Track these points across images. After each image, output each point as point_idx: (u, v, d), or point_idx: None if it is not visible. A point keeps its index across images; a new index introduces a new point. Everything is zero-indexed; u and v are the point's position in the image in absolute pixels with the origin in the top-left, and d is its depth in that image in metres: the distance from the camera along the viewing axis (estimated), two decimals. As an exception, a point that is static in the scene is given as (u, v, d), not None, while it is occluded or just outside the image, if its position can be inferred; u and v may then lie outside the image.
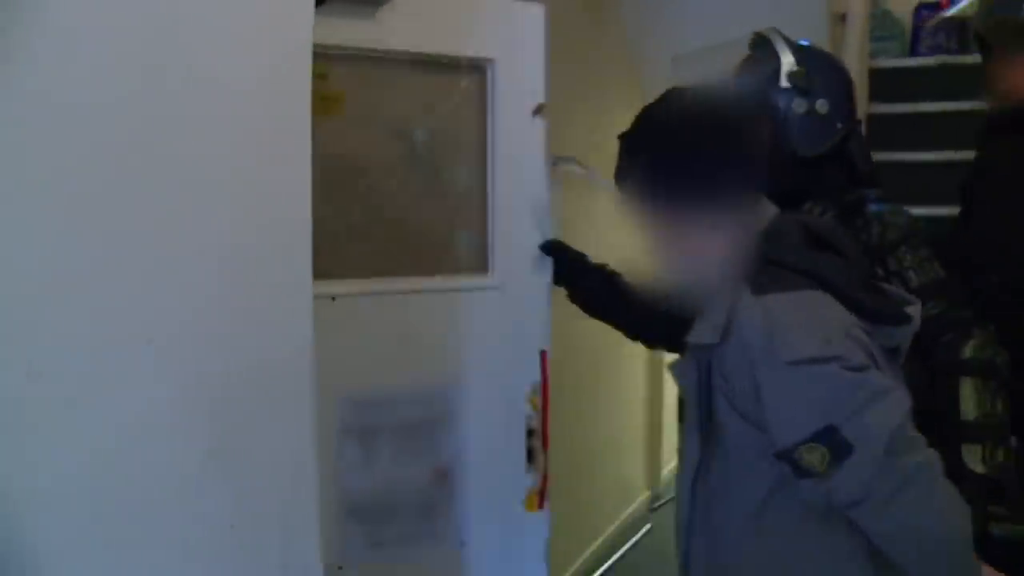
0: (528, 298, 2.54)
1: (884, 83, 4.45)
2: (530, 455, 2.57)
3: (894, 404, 1.55)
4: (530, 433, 2.56)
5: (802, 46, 2.33)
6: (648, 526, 5.63)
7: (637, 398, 5.85)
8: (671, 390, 6.26)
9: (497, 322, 2.53)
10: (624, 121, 1.84)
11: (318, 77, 1.63)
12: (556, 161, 2.53)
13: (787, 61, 2.26)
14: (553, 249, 2.49)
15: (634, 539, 5.39)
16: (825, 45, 4.41)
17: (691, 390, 1.72)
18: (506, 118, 2.52)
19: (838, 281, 1.63)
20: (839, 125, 2.25)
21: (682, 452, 1.83)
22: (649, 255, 1.80)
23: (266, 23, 1.54)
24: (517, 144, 2.52)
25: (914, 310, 1.75)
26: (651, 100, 1.83)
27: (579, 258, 2.51)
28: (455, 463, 2.52)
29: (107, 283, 1.31)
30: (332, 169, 2.18)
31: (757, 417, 1.62)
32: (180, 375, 1.41)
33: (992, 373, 1.99)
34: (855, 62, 3.99)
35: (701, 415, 1.70)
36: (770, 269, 1.63)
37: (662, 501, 5.95)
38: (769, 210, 1.76)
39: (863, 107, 3.83)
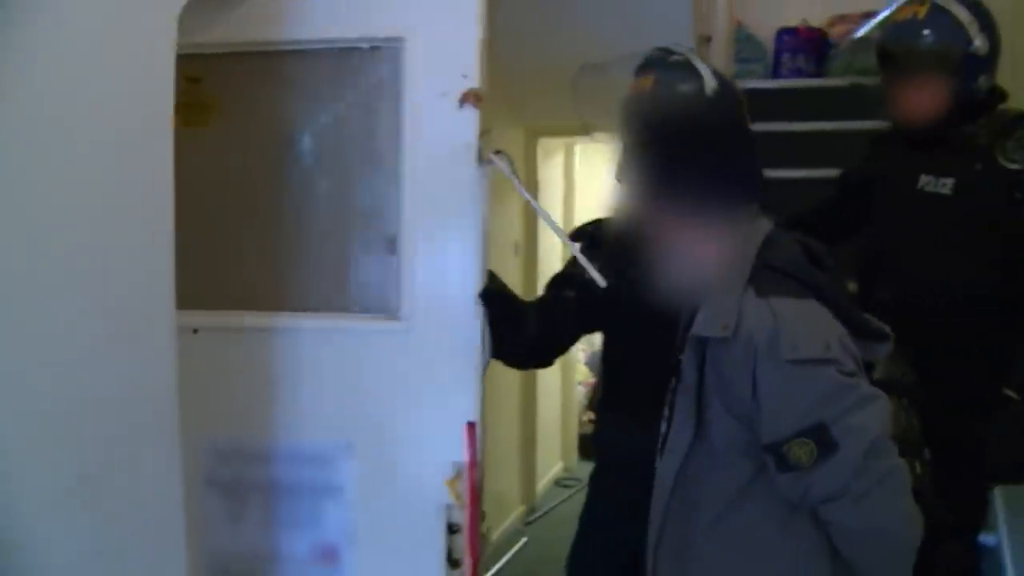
0: (450, 350, 1.98)
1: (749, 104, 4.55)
2: (450, 558, 1.98)
3: (877, 411, 1.68)
4: (451, 529, 1.97)
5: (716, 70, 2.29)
6: (524, 540, 5.59)
7: (512, 410, 5.83)
8: (548, 402, 6.27)
9: (405, 377, 2.00)
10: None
11: (188, 81, 1.55)
12: (489, 159, 2.04)
13: (709, 84, 2.19)
14: (488, 295, 2.03)
15: (510, 554, 5.35)
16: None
17: (690, 383, 1.77)
18: (423, 112, 1.99)
19: (834, 295, 1.75)
20: None
21: (666, 440, 1.86)
22: (646, 252, 1.84)
23: (124, 18, 1.44)
24: (438, 144, 1.98)
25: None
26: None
27: (513, 305, 2.17)
28: (344, 543, 2.06)
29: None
30: (203, 184, 1.95)
31: (747, 413, 1.70)
32: (35, 401, 1.32)
33: (902, 392, 2.05)
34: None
35: (699, 407, 1.76)
36: (774, 275, 1.73)
37: (537, 515, 5.94)
38: (764, 221, 1.84)
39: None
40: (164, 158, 1.52)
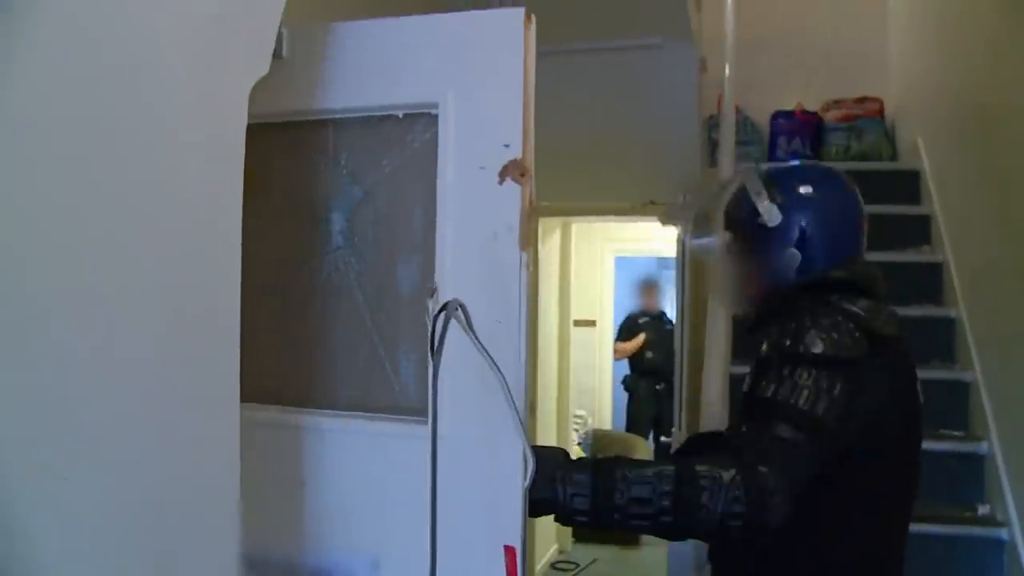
0: (489, 459, 1.68)
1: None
2: None
3: None
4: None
5: None
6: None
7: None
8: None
9: (440, 489, 1.62)
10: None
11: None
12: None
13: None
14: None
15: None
16: (697, 147, 4.48)
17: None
18: (459, 187, 1.72)
19: None
20: None
21: None
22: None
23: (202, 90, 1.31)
24: (476, 225, 1.71)
25: None
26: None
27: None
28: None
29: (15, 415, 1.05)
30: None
31: None
32: (105, 509, 1.16)
33: None
34: (727, 166, 4.00)
35: None
36: None
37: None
38: None
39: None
40: (234, 242, 1.38)
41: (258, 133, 1.69)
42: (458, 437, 1.68)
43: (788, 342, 1.68)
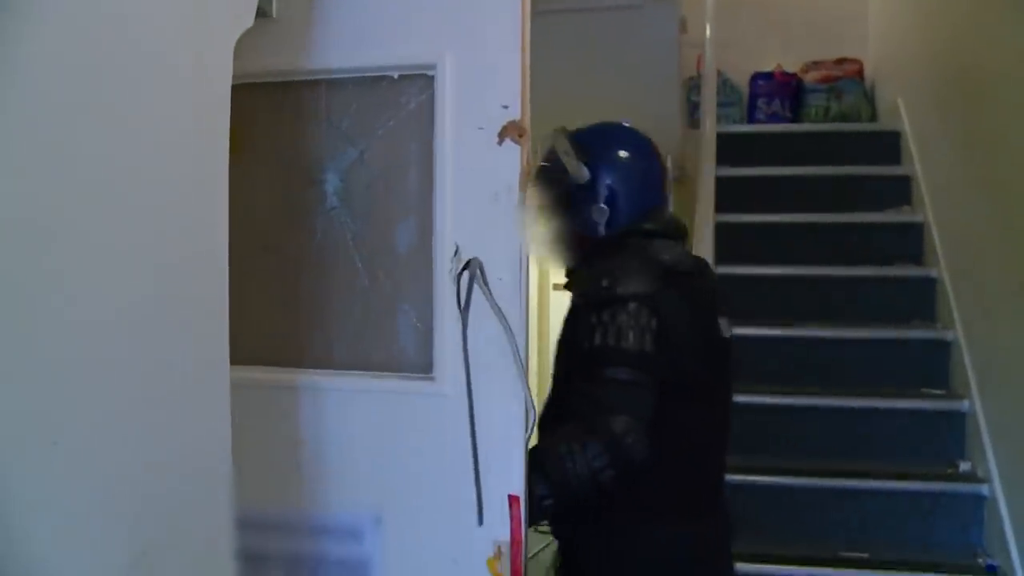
0: (490, 413, 1.71)
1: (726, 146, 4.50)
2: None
3: None
4: (492, 617, 1.72)
5: None
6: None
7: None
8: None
9: (441, 444, 1.72)
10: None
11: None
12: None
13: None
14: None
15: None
16: (677, 109, 4.47)
17: None
18: (457, 148, 1.73)
19: None
20: None
21: None
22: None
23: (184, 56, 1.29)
24: (474, 186, 1.72)
25: None
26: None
27: None
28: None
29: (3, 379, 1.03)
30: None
31: None
32: (95, 475, 1.14)
33: None
34: (709, 127, 4.01)
35: None
36: None
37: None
38: None
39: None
40: (221, 200, 1.36)
41: (250, 93, 1.68)
42: (462, 393, 1.71)
43: (604, 286, 1.77)
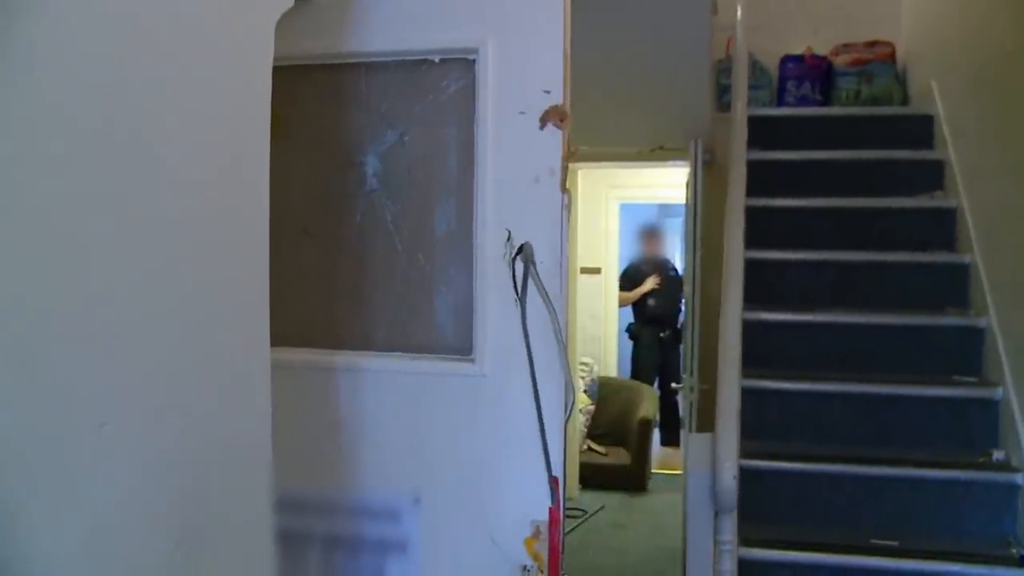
0: (530, 395, 1.73)
1: (757, 131, 4.46)
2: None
3: None
4: (529, 594, 1.71)
5: None
6: None
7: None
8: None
9: (480, 425, 1.76)
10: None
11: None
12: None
13: None
14: None
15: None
16: (707, 92, 4.44)
17: None
18: (499, 132, 1.75)
19: None
20: None
21: None
22: None
23: (225, 36, 1.28)
24: (516, 169, 1.75)
25: None
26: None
27: None
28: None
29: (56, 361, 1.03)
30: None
31: None
32: (141, 458, 1.14)
33: None
34: (740, 110, 3.97)
35: None
36: None
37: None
38: None
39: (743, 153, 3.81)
40: (262, 181, 1.35)
41: (290, 76, 1.68)
42: (500, 375, 1.76)
43: None
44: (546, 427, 1.70)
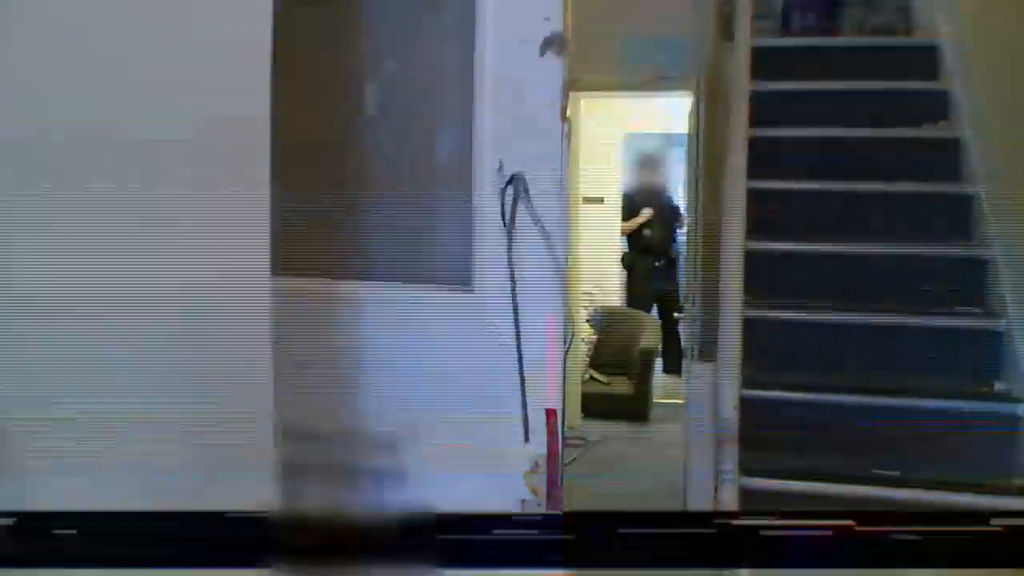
0: (532, 328, 1.71)
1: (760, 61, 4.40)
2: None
3: None
4: (527, 526, 1.71)
5: None
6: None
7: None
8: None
9: (478, 357, 1.74)
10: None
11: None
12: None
13: None
14: None
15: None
16: (710, 20, 4.37)
17: None
18: (498, 61, 1.70)
19: None
20: None
21: None
22: None
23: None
24: (515, 98, 1.71)
25: None
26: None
27: None
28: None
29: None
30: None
31: None
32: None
33: None
34: (743, 39, 3.90)
35: None
36: None
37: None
38: None
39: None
40: (263, 101, 1.34)
41: (288, 3, 1.64)
42: (500, 305, 1.73)
43: None
44: (537, 360, 1.69)
